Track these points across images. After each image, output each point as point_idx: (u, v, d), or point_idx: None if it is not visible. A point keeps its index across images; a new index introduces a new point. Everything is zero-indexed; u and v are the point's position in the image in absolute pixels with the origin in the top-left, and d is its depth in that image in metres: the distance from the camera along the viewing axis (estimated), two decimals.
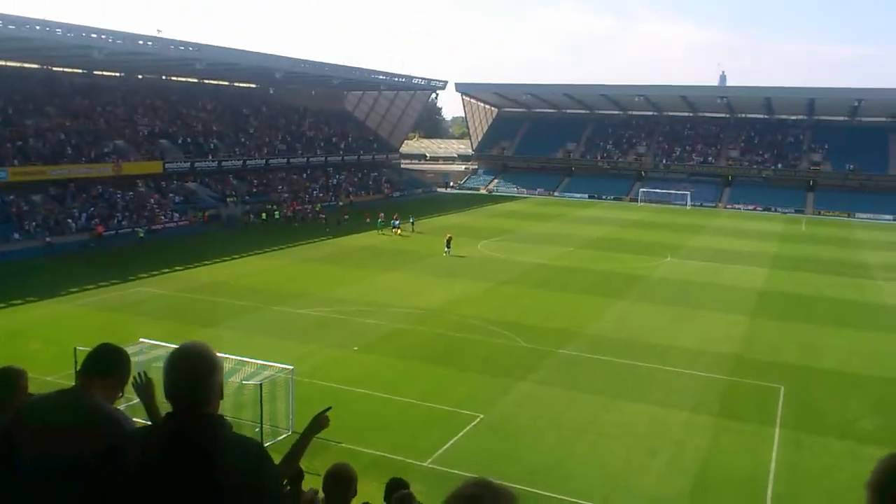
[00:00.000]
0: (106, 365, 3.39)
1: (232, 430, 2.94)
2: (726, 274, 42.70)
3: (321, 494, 5.25)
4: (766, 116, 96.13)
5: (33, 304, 32.17)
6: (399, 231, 54.60)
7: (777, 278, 41.94)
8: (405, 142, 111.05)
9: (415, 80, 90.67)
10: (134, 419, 3.31)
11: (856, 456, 18.68)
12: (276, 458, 5.45)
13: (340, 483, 5.03)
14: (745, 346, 28.11)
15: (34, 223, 47.03)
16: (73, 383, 3.45)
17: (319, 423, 4.49)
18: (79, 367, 3.49)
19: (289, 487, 7.76)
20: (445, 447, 18.39)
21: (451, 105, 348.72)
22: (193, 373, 2.82)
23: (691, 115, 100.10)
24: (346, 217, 59.80)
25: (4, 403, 3.97)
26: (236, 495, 2.68)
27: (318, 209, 65.98)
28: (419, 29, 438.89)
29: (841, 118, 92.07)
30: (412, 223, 57.08)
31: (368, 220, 56.94)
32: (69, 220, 49.08)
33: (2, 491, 3.11)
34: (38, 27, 48.02)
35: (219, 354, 3.00)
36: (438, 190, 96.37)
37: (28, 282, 36.20)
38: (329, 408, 4.53)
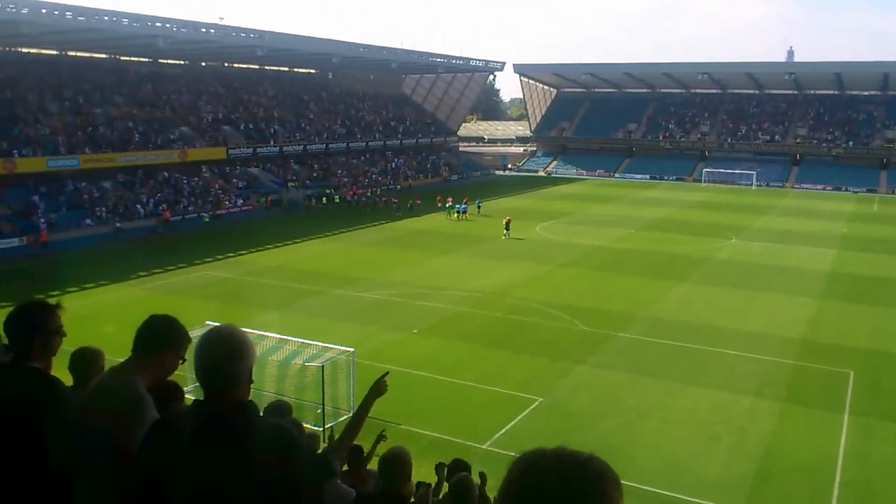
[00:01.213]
0: (149, 341, 3.33)
1: (260, 415, 2.91)
2: (793, 255, 41.53)
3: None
4: (836, 92, 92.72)
5: (105, 287, 33.31)
6: (466, 215, 54.58)
7: (846, 260, 40.60)
8: (463, 124, 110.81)
9: (472, 62, 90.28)
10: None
11: None
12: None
13: (396, 466, 5.12)
14: (812, 330, 27.35)
15: (104, 209, 48.62)
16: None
17: (379, 387, 4.58)
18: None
19: (346, 468, 7.92)
20: (504, 430, 18.43)
21: (509, 86, 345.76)
22: (221, 358, 2.77)
23: (757, 92, 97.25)
24: (418, 202, 59.57)
25: (83, 382, 4.16)
26: (266, 480, 2.65)
27: (388, 193, 65.69)
28: (475, 9, 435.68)
29: None
30: (478, 207, 57.05)
31: (440, 203, 56.80)
32: (138, 206, 50.59)
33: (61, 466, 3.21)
34: (105, 18, 49.41)
35: (249, 337, 2.93)
36: (497, 172, 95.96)
37: (99, 266, 37.46)
38: (387, 372, 4.62)
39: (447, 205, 55.42)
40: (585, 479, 1.63)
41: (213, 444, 2.70)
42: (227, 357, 2.78)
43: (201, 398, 2.85)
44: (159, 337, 3.34)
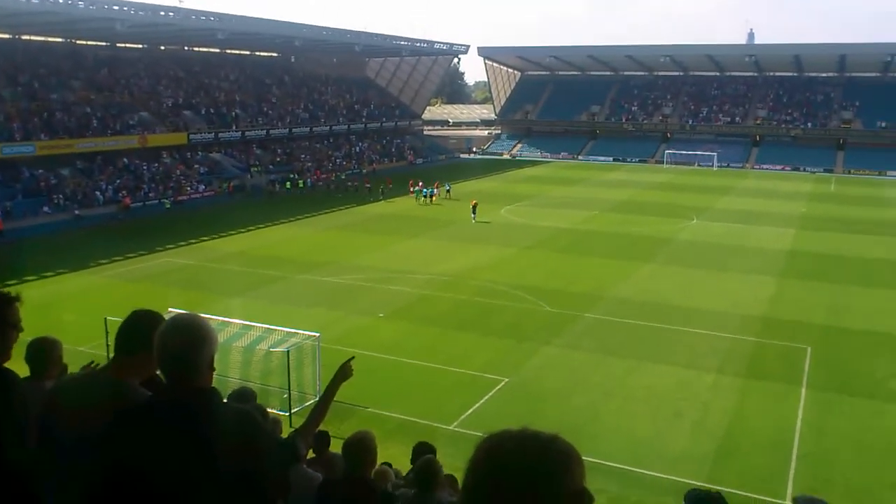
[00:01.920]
0: (131, 342, 3.31)
1: (223, 401, 2.91)
2: (754, 235, 42.26)
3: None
4: (795, 74, 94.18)
5: (64, 275, 32.74)
6: (433, 199, 54.57)
7: (805, 239, 41.44)
8: (427, 108, 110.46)
9: (436, 45, 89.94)
10: None
11: (885, 416, 18.62)
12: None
13: (360, 451, 5.14)
14: (772, 308, 27.91)
15: (62, 196, 47.67)
16: (105, 354, 3.45)
17: (345, 371, 4.59)
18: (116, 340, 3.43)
19: (314, 454, 7.93)
20: (470, 411, 18.57)
21: (473, 70, 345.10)
22: (181, 345, 2.77)
23: (718, 74, 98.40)
24: (390, 186, 59.15)
25: (41, 372, 4.10)
26: (230, 466, 2.65)
27: (361, 178, 65.06)
28: None
29: (873, 74, 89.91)
30: (448, 190, 57.06)
31: (412, 188, 56.50)
32: (97, 193, 49.68)
33: (39, 462, 3.19)
34: (60, 0, 48.22)
35: (210, 325, 2.92)
36: (461, 156, 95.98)
37: (58, 254, 36.78)
38: (352, 357, 4.63)
39: (416, 189, 55.29)
40: (549, 459, 1.66)
41: (175, 432, 2.68)
42: (188, 345, 2.78)
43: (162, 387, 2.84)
44: (140, 338, 3.31)
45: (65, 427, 3.14)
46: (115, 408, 3.08)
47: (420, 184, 55.78)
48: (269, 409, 10.99)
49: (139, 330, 3.28)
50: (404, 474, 8.53)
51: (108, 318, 17.45)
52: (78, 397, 3.23)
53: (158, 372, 2.93)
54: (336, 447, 8.07)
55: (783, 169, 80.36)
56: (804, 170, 79.52)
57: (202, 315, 2.97)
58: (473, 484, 1.67)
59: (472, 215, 45.95)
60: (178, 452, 2.65)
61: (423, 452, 7.23)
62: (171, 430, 2.70)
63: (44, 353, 4.20)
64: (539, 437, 1.70)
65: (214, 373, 2.92)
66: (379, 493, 5.15)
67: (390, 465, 9.13)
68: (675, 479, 14.97)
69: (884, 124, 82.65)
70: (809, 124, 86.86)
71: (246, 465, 2.71)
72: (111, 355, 3.34)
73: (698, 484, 13.05)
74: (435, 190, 55.59)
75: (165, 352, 2.78)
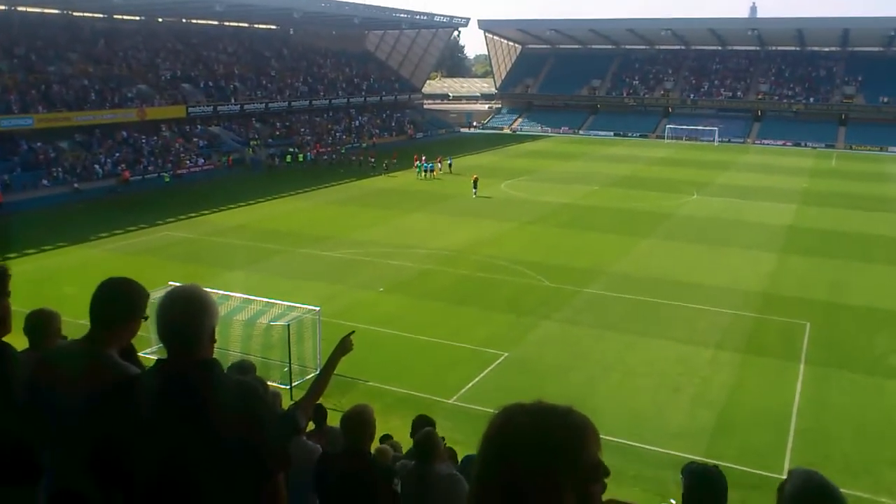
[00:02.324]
0: (109, 315, 3.26)
1: (224, 373, 2.91)
2: (754, 211, 42.17)
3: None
4: (797, 48, 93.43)
5: (63, 249, 32.71)
6: (434, 174, 54.34)
7: (806, 214, 41.37)
8: (427, 81, 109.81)
9: (436, 18, 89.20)
10: None
11: (883, 392, 18.69)
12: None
13: (358, 425, 5.13)
14: (772, 283, 27.92)
15: (61, 169, 47.49)
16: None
17: (345, 345, 4.58)
18: (91, 311, 3.34)
19: (314, 427, 7.95)
20: (470, 385, 18.64)
21: (474, 43, 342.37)
22: (183, 317, 2.74)
23: (720, 48, 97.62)
24: (395, 161, 58.64)
25: (38, 343, 4.09)
26: (231, 438, 2.63)
27: (366, 152, 64.08)
28: None
29: (876, 49, 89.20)
30: (450, 165, 56.86)
31: (417, 162, 55.73)
32: (96, 166, 49.47)
33: (26, 426, 3.18)
34: None
35: (211, 296, 2.90)
36: (461, 130, 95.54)
37: (58, 227, 36.73)
38: (353, 331, 4.63)
39: (419, 164, 55.02)
40: (565, 432, 1.63)
41: (176, 403, 2.68)
42: (189, 316, 2.76)
43: (164, 358, 2.82)
44: (123, 308, 3.27)
45: (52, 395, 3.13)
46: (96, 378, 3.06)
47: (423, 158, 55.52)
48: (269, 383, 11.01)
49: (116, 302, 3.25)
50: (405, 448, 8.56)
51: None
52: (62, 367, 3.21)
53: (159, 345, 2.91)
54: (336, 420, 8.10)
55: (784, 144, 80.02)
56: (805, 145, 79.20)
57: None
58: (487, 458, 1.65)
59: (474, 190, 45.79)
60: (180, 424, 2.64)
61: (423, 425, 7.24)
62: (172, 401, 2.69)
63: (42, 324, 4.19)
64: (554, 409, 1.68)
65: (215, 345, 2.90)
66: (378, 467, 5.15)
67: (391, 437, 9.16)
68: (673, 453, 15.05)
69: (886, 99, 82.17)
70: (811, 99, 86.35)
71: (247, 436, 2.69)
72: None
73: (696, 458, 13.12)
74: (438, 164, 55.40)
75: (166, 323, 2.75)
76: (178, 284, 2.90)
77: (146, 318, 3.33)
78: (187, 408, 2.67)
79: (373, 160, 59.18)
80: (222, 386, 2.77)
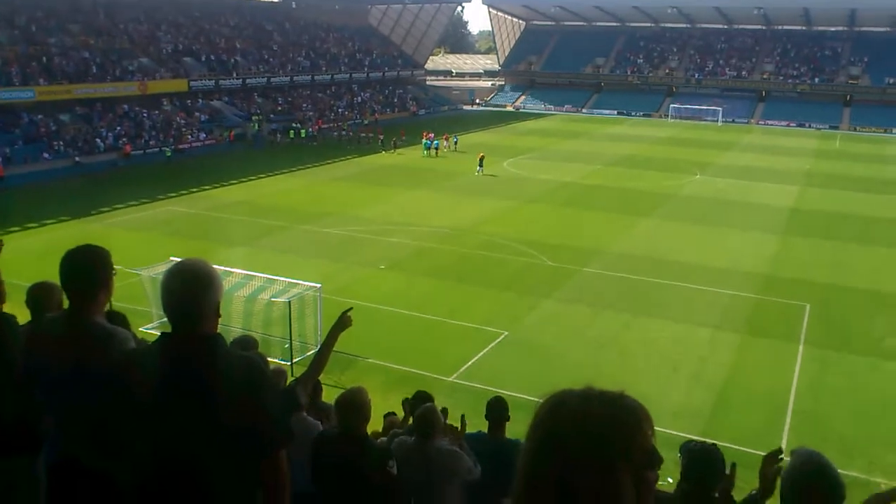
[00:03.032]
0: (90, 283, 3.30)
1: (228, 347, 2.92)
2: (757, 192, 42.07)
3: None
4: (804, 28, 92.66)
5: (65, 222, 32.70)
6: (438, 151, 54.08)
7: (808, 196, 41.28)
8: (430, 58, 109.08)
9: None
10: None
11: (881, 373, 18.77)
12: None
13: (352, 409, 5.14)
14: (773, 265, 27.92)
15: (62, 143, 47.37)
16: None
17: (343, 321, 4.61)
18: (63, 284, 3.33)
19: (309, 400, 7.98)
20: (470, 363, 18.72)
21: (477, 19, 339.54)
22: (187, 291, 2.75)
23: (726, 27, 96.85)
24: (404, 137, 57.97)
25: (40, 316, 4.12)
26: (234, 413, 2.66)
27: (375, 129, 62.77)
28: None
29: (883, 29, 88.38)
30: (455, 143, 56.62)
31: (424, 139, 54.92)
32: (97, 140, 49.35)
33: (18, 397, 3.21)
34: None
35: (216, 270, 2.92)
36: (464, 107, 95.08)
37: (59, 201, 36.69)
38: (350, 308, 4.65)
39: (425, 141, 54.63)
40: (620, 416, 1.58)
41: (181, 378, 2.70)
42: (193, 290, 2.76)
43: (168, 332, 2.83)
44: (96, 275, 3.32)
45: (45, 366, 3.16)
46: (88, 347, 3.09)
47: (431, 135, 55.28)
48: (270, 359, 11.08)
49: (93, 269, 3.30)
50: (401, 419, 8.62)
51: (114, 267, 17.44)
52: (52, 338, 3.24)
53: (163, 316, 2.93)
54: (330, 396, 8.15)
55: (788, 125, 79.63)
56: (810, 126, 78.80)
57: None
58: (538, 446, 1.59)
59: (479, 168, 45.64)
60: (184, 398, 2.67)
61: (422, 401, 7.29)
62: (176, 375, 2.71)
63: (43, 297, 4.22)
64: (606, 394, 1.63)
65: (219, 320, 2.91)
66: (372, 451, 5.17)
67: (394, 414, 9.22)
68: (671, 432, 15.10)
69: (892, 80, 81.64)
70: (816, 80, 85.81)
71: (250, 412, 2.71)
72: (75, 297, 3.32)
73: (694, 437, 13.20)
74: (445, 142, 55.23)
75: (171, 297, 2.75)
76: (181, 259, 2.91)
77: (115, 272, 3.43)
78: (191, 382, 2.69)
79: (381, 137, 58.52)
80: (226, 361, 2.79)
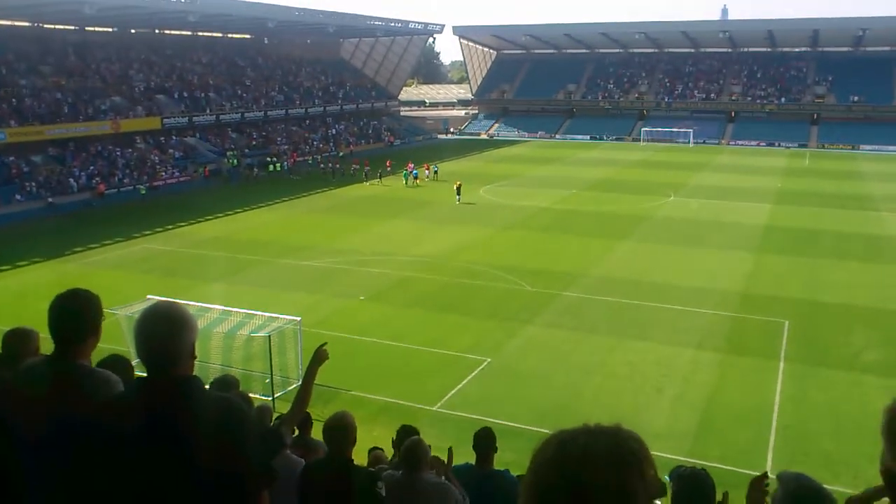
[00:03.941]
0: (79, 328, 3.25)
1: (206, 389, 2.88)
2: (730, 211, 42.58)
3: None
4: (769, 50, 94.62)
5: (39, 264, 32.30)
6: (419, 180, 54.28)
7: (781, 213, 41.83)
8: (404, 88, 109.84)
9: (411, 25, 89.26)
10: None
11: (861, 387, 18.90)
12: (286, 408, 5.53)
13: (339, 431, 5.13)
14: (749, 283, 28.18)
15: (35, 184, 46.92)
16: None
17: (319, 356, 4.59)
18: (51, 329, 3.24)
19: (297, 433, 7.90)
20: (454, 391, 18.62)
21: (449, 49, 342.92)
22: (161, 333, 2.72)
23: (693, 51, 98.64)
24: (389, 168, 57.45)
25: (15, 363, 4.03)
26: (214, 456, 2.60)
27: (361, 160, 61.94)
28: None
29: (845, 49, 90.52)
30: (435, 171, 56.91)
31: (410, 168, 55.18)
32: (70, 180, 48.94)
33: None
34: None
35: (190, 312, 2.89)
36: (439, 136, 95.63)
37: (32, 243, 36.29)
38: (325, 343, 4.65)
39: (405, 171, 54.86)
40: (632, 446, 1.62)
41: (158, 421, 2.65)
42: (168, 333, 2.73)
43: (143, 376, 2.80)
44: (86, 321, 3.27)
45: (18, 422, 3.07)
46: (72, 395, 3.02)
47: (411, 165, 55.51)
48: (252, 395, 10.95)
49: (83, 315, 3.25)
50: (390, 458, 8.53)
51: None
52: (31, 388, 3.16)
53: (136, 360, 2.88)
54: (318, 430, 8.06)
55: (758, 144, 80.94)
56: (779, 145, 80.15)
57: (181, 302, 2.93)
58: (549, 487, 1.57)
59: (457, 196, 45.84)
60: (162, 441, 2.62)
61: (408, 435, 7.23)
62: (154, 418, 2.66)
63: (18, 343, 4.13)
64: (606, 427, 1.67)
65: (196, 360, 2.88)
66: (360, 472, 5.14)
67: (380, 449, 9.13)
68: (657, 454, 14.78)
69: (856, 98, 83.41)
70: (783, 99, 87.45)
71: (229, 456, 2.65)
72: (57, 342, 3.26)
73: (681, 459, 13.20)
74: (426, 171, 55.92)
75: (146, 340, 2.72)
76: (156, 300, 2.89)
77: (104, 318, 3.39)
78: (168, 427, 2.64)
79: (367, 168, 58.25)
80: (203, 404, 2.74)
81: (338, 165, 61.86)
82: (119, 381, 3.23)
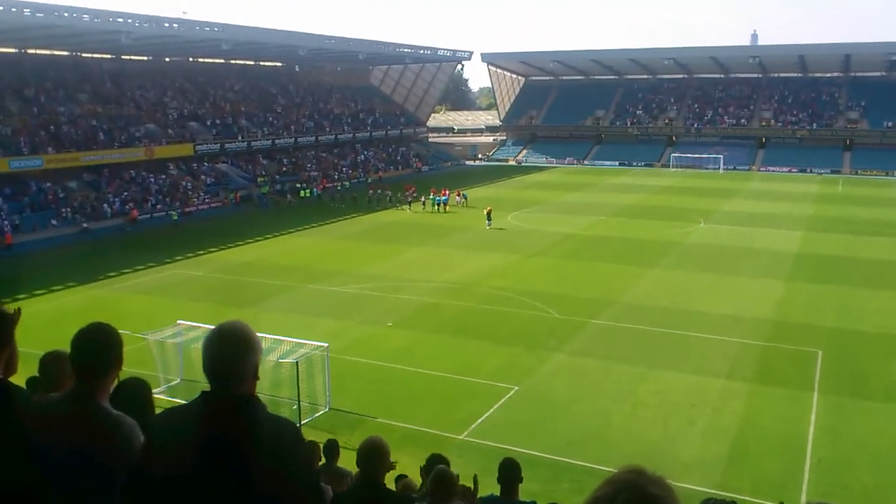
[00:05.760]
0: (104, 361, 3.30)
1: (267, 410, 2.94)
2: (761, 238, 42.09)
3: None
4: (800, 75, 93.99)
5: (73, 289, 32.81)
6: (447, 207, 54.22)
7: (813, 241, 41.26)
8: (432, 115, 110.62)
9: (440, 52, 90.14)
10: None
11: None
12: (313, 435, 5.54)
13: (373, 456, 5.09)
14: (781, 311, 27.76)
15: (70, 209, 47.85)
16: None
17: None
18: (73, 363, 3.26)
19: (324, 461, 7.90)
20: (481, 420, 18.49)
21: (477, 76, 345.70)
22: (228, 351, 2.82)
23: (722, 76, 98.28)
24: (414, 193, 56.98)
25: (55, 384, 4.10)
26: (269, 477, 2.67)
27: (395, 188, 61.10)
28: None
29: (878, 74, 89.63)
30: (465, 198, 56.95)
31: (433, 195, 55.02)
32: (104, 206, 49.84)
33: (20, 484, 3.14)
34: (65, 14, 48.50)
35: (256, 334, 2.98)
36: (467, 163, 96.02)
37: (67, 267, 36.92)
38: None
39: (432, 197, 54.99)
40: (670, 490, 1.84)
41: (221, 436, 2.72)
42: (233, 352, 2.83)
43: (209, 391, 2.86)
44: (109, 356, 3.32)
45: (45, 447, 3.11)
46: (95, 434, 3.05)
47: (445, 191, 55.62)
48: None
49: (106, 350, 3.30)
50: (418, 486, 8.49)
51: (121, 331, 17.45)
52: (54, 422, 3.19)
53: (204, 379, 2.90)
54: (345, 457, 8.04)
55: (790, 171, 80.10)
56: (811, 171, 79.26)
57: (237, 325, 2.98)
58: None
59: (488, 222, 45.85)
60: (224, 458, 2.68)
61: (437, 464, 7.19)
62: (217, 433, 2.72)
63: (55, 366, 4.21)
64: (647, 472, 1.88)
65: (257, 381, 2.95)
66: (393, 497, 5.09)
67: (406, 477, 9.09)
68: (687, 486, 14.85)
69: (890, 124, 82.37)
70: (815, 125, 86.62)
71: (288, 468, 2.74)
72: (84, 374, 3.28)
73: (711, 491, 12.98)
74: (458, 197, 55.82)
75: (214, 358, 2.82)
76: (223, 322, 2.97)
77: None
78: (232, 441, 2.70)
79: (389, 193, 58.54)
80: (265, 421, 2.82)
81: (388, 192, 60.06)
82: (134, 424, 3.23)
